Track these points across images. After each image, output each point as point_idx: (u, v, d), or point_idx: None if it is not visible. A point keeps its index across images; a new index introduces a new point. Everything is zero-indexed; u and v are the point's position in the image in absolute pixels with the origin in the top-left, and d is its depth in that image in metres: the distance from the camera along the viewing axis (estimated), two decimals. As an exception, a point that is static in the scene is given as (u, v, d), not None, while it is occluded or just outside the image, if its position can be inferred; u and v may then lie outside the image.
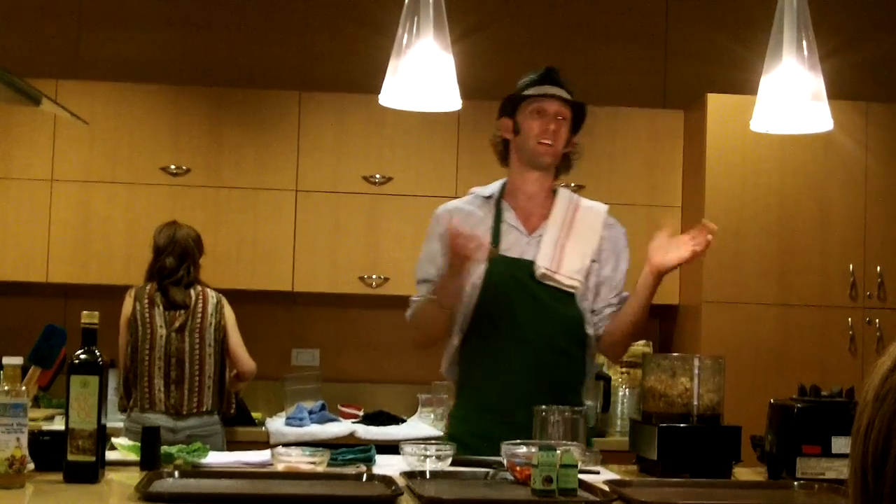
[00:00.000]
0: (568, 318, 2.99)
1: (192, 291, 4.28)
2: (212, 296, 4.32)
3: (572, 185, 4.93)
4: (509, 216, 3.06)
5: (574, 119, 3.08)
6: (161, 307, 4.23)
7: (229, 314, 4.36)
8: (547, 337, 2.97)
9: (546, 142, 3.01)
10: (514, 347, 2.94)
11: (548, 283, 2.98)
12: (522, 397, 2.90)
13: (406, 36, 2.67)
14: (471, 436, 2.77)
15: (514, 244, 3.02)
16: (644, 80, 5.36)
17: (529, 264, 2.99)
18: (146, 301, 4.24)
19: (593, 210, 3.11)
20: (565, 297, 2.99)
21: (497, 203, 3.08)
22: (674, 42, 5.39)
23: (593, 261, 3.03)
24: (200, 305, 4.26)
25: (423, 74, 2.70)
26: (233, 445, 4.16)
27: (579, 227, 3.05)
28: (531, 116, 3.02)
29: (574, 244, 3.01)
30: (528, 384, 2.94)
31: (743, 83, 4.35)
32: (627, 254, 3.12)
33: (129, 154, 4.84)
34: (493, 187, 3.13)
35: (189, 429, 4.15)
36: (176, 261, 4.28)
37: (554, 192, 3.11)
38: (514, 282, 2.98)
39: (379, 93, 2.82)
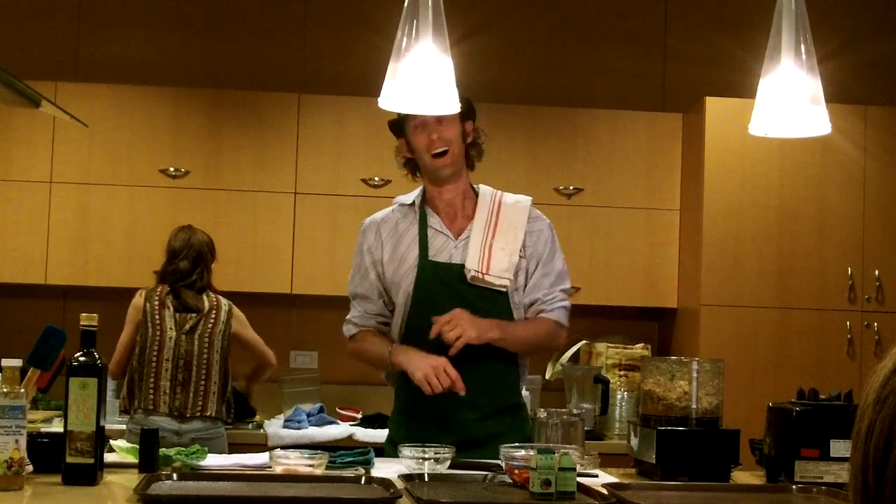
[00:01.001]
0: (498, 318, 3.01)
1: (206, 297, 4.28)
2: (224, 303, 4.33)
3: (571, 187, 4.95)
4: (434, 221, 3.08)
5: (462, 112, 2.97)
6: (172, 309, 4.23)
7: (239, 318, 4.36)
8: None
9: (437, 151, 3.01)
10: (446, 351, 2.95)
11: (479, 284, 3.00)
12: (456, 400, 2.93)
13: (405, 39, 2.67)
14: (408, 439, 2.78)
15: (442, 249, 3.05)
16: (643, 83, 5.36)
17: (459, 268, 3.01)
18: (157, 303, 4.24)
19: (518, 205, 3.12)
20: (496, 297, 3.02)
21: (421, 209, 3.10)
22: (672, 45, 5.39)
23: (521, 257, 3.06)
24: (214, 312, 4.27)
25: (422, 77, 2.70)
26: (231, 448, 4.16)
27: (504, 225, 3.06)
28: (415, 133, 3.02)
29: (500, 243, 3.03)
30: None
31: (741, 86, 4.35)
32: (557, 246, 3.11)
33: (128, 156, 4.84)
34: (415, 194, 3.14)
35: (193, 432, 4.15)
36: (190, 264, 4.28)
37: (476, 192, 3.13)
38: (443, 287, 3.00)
39: (378, 96, 2.82)
